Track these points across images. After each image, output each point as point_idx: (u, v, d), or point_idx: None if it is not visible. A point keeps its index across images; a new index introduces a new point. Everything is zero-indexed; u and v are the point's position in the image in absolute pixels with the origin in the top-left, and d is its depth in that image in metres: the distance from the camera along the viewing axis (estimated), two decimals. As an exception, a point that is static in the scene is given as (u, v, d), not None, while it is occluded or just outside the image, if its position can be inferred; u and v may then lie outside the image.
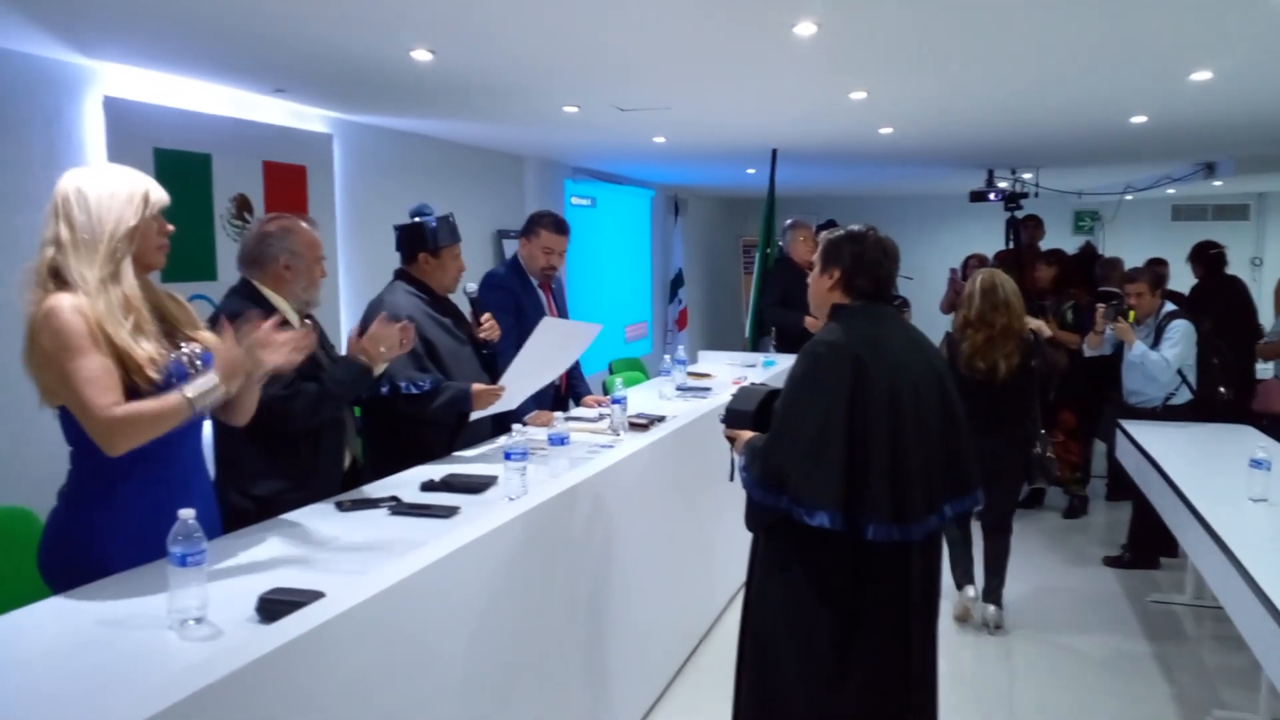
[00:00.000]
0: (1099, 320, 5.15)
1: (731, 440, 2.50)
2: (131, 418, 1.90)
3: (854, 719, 2.25)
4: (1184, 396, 4.90)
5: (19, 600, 1.83)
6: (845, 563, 2.23)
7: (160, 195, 2.08)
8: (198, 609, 1.68)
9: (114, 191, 1.99)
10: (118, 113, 3.95)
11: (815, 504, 2.14)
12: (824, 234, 2.47)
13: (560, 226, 3.97)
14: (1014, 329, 3.87)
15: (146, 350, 1.95)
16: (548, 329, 3.15)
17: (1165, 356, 4.79)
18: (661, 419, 3.67)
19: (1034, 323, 4.19)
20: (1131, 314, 4.98)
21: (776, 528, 2.28)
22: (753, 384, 2.64)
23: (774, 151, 6.77)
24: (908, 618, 2.28)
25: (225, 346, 2.04)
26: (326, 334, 2.88)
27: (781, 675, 2.32)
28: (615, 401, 3.50)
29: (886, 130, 5.94)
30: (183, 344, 2.10)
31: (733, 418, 2.50)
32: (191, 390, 1.95)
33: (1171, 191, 10.35)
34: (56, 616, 1.77)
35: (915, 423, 2.21)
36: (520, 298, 3.94)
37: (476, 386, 3.06)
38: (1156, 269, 6.52)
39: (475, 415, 3.10)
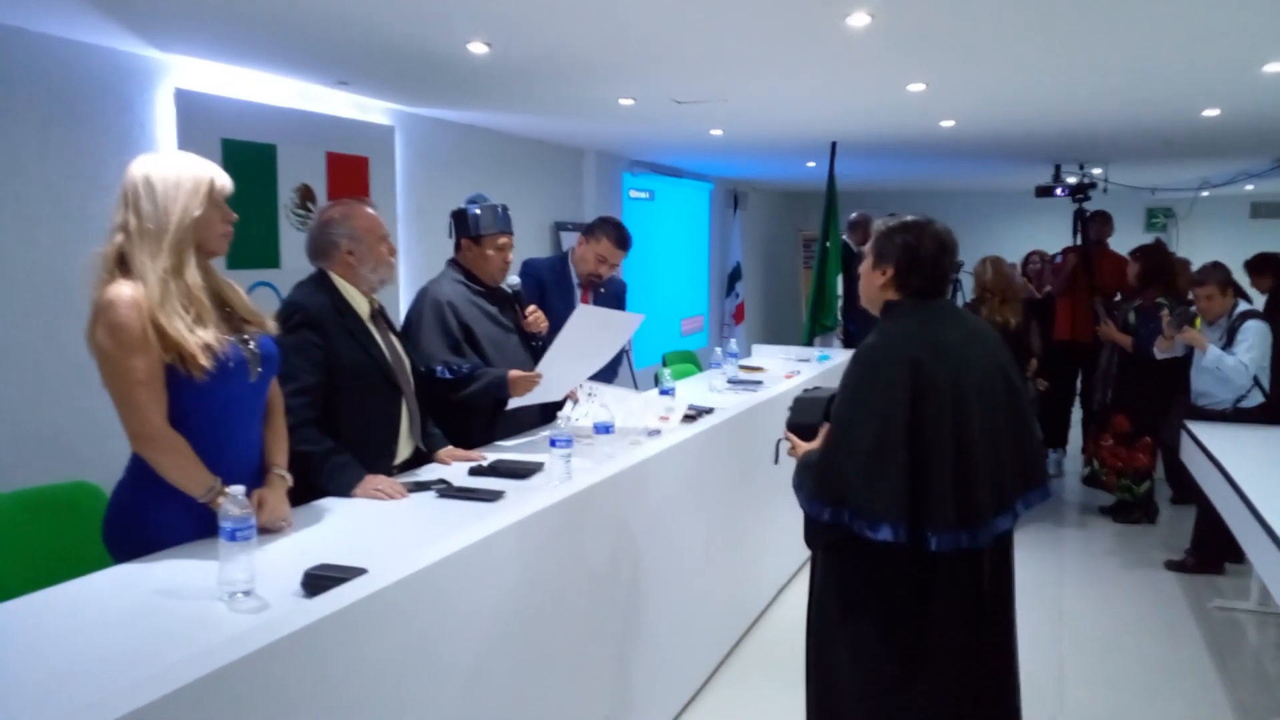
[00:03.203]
0: (1166, 327, 5.01)
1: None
2: (176, 445, 2.00)
3: None
4: (1255, 399, 4.75)
5: (83, 569, 1.92)
6: (910, 577, 2.14)
7: (225, 183, 2.12)
8: (246, 582, 1.74)
9: (179, 181, 2.03)
10: (188, 104, 4.08)
11: (878, 517, 2.05)
12: (876, 224, 2.37)
13: (622, 240, 3.96)
14: (1015, 295, 5.39)
15: (202, 338, 2.00)
16: (584, 316, 3.12)
17: (1242, 361, 4.65)
18: (710, 411, 3.67)
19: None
20: (1198, 321, 4.84)
21: (835, 543, 2.21)
22: (805, 391, 2.53)
23: (833, 144, 6.71)
24: (978, 626, 2.19)
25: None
26: (393, 324, 2.91)
27: (843, 694, 2.25)
28: (664, 393, 3.51)
29: (948, 123, 5.85)
30: (241, 329, 2.17)
31: (800, 432, 2.41)
32: (222, 495, 1.97)
33: (1250, 188, 10.01)
34: (115, 585, 1.85)
35: (982, 421, 2.12)
36: (547, 287, 3.94)
37: (514, 373, 3.05)
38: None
39: (515, 403, 3.11)
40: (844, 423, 2.15)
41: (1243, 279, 6.50)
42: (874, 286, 2.32)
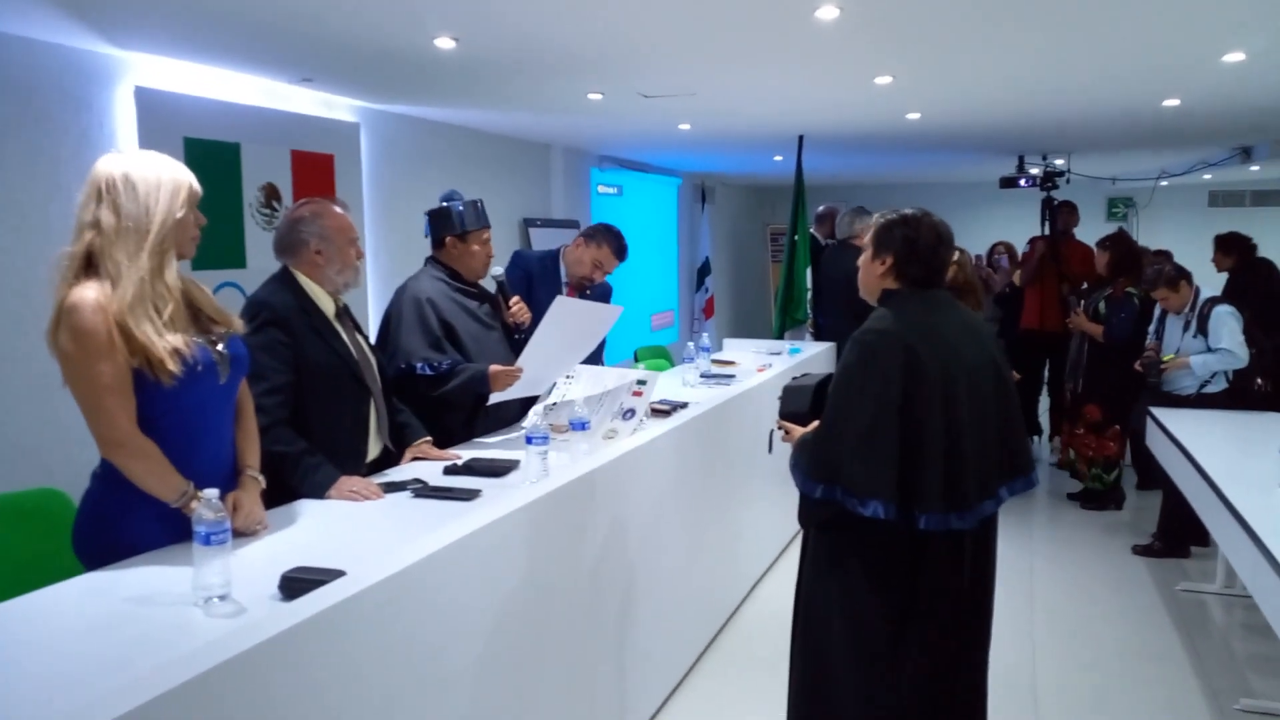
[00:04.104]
0: (1148, 377, 5.06)
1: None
2: (147, 451, 1.97)
3: (904, 708, 2.24)
4: (1219, 385, 4.84)
5: (53, 577, 1.88)
6: (899, 555, 2.21)
7: (198, 187, 2.11)
8: (221, 586, 1.71)
9: (160, 181, 2.01)
10: (149, 102, 4.01)
11: (868, 494, 2.12)
12: (877, 216, 2.43)
13: (621, 251, 4.10)
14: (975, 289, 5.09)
15: (170, 343, 1.96)
16: (562, 308, 3.11)
17: (1227, 348, 4.72)
18: (684, 405, 3.67)
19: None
20: (1168, 357, 4.93)
21: (828, 522, 2.27)
22: (794, 379, 2.61)
23: (800, 138, 6.74)
24: (960, 605, 2.25)
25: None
26: (359, 324, 2.88)
27: (833, 667, 2.30)
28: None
29: (914, 115, 5.89)
30: (209, 330, 2.13)
31: (792, 419, 2.48)
32: (195, 499, 1.92)
33: (1208, 177, 10.19)
34: (87, 593, 1.81)
35: (970, 410, 2.19)
36: (535, 280, 3.97)
37: (494, 368, 3.05)
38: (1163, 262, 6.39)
39: (495, 398, 3.11)
40: (839, 403, 2.23)
41: (1201, 260, 6.61)
42: (873, 276, 2.39)
